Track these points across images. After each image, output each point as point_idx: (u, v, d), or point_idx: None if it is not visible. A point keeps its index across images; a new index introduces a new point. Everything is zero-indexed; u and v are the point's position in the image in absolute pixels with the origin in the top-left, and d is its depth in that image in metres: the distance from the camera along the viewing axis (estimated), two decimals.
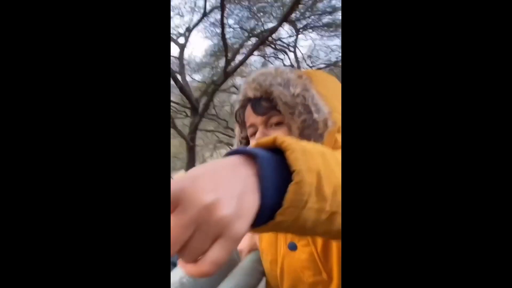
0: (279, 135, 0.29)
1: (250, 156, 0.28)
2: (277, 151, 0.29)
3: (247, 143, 0.63)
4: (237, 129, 0.65)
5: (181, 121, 7.32)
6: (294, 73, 0.58)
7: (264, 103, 0.55)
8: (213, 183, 0.24)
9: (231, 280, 0.57)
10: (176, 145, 11.52)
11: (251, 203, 0.25)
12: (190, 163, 6.17)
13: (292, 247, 0.56)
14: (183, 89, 5.40)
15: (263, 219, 0.26)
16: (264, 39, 4.95)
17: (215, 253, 0.23)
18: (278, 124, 0.55)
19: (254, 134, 0.58)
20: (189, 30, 6.25)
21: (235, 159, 0.27)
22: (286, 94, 0.53)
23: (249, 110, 0.58)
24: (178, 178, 0.24)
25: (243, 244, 0.70)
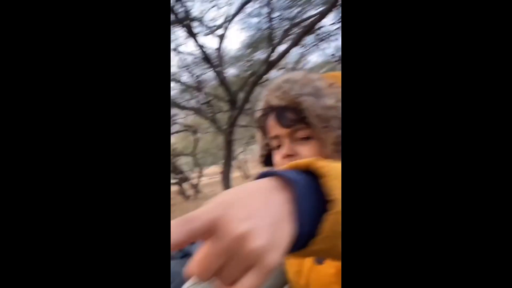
0: (315, 159, 0.29)
1: (284, 179, 0.27)
2: (309, 173, 0.28)
3: (270, 150, 0.60)
4: (258, 136, 0.62)
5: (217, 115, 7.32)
6: (323, 80, 0.51)
7: (290, 114, 0.51)
8: (246, 211, 0.24)
9: None
10: (208, 140, 11.65)
11: (286, 233, 0.25)
12: (227, 158, 6.16)
13: (319, 260, 0.53)
14: (224, 81, 5.36)
15: (298, 246, 0.27)
16: (312, 25, 4.71)
17: (248, 283, 0.23)
18: (306, 138, 0.51)
19: (278, 146, 0.55)
20: (228, 20, 6.17)
21: (269, 182, 0.27)
22: (318, 106, 0.48)
23: (272, 120, 0.54)
24: (211, 204, 0.24)
25: None
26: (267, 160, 0.63)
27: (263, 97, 0.57)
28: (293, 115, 0.51)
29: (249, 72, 6.39)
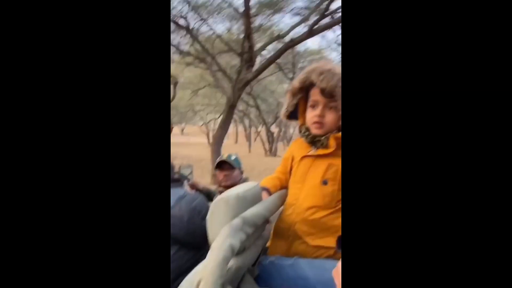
0: None
1: None
2: None
3: (295, 109, 0.98)
4: (288, 95, 0.98)
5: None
6: None
7: (328, 93, 0.87)
8: None
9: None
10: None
11: None
12: (227, 120, 6.09)
13: (325, 182, 0.89)
14: (250, 36, 5.05)
15: None
16: None
17: None
18: (333, 107, 0.90)
19: (312, 106, 0.93)
20: None
21: None
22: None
23: (316, 90, 0.90)
24: None
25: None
26: (290, 115, 1.01)
27: (308, 72, 0.90)
28: (330, 93, 0.86)
29: (276, 34, 6.07)
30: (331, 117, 0.89)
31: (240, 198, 0.72)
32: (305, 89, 0.93)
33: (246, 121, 20.03)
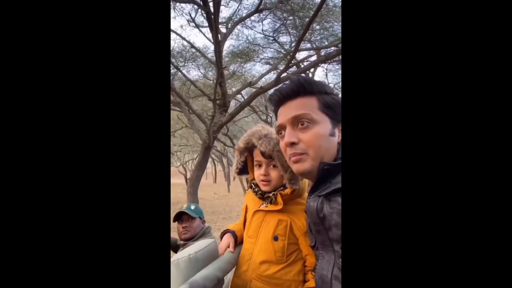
0: None
1: None
2: None
3: (244, 165, 1.14)
4: (236, 154, 1.13)
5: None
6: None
7: (267, 154, 1.01)
8: None
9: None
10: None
11: None
12: (203, 162, 6.24)
13: (276, 237, 0.99)
14: (222, 84, 5.38)
15: None
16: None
17: None
18: (274, 166, 1.03)
19: (259, 166, 1.06)
20: (232, 21, 6.33)
21: None
22: (281, 157, 0.95)
23: (257, 151, 1.05)
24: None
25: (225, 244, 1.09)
26: (240, 172, 1.15)
27: (249, 137, 1.04)
28: (269, 155, 1.00)
29: (249, 81, 6.55)
30: (274, 175, 1.02)
31: (192, 260, 0.74)
32: (249, 149, 1.08)
33: (224, 160, 20.16)
